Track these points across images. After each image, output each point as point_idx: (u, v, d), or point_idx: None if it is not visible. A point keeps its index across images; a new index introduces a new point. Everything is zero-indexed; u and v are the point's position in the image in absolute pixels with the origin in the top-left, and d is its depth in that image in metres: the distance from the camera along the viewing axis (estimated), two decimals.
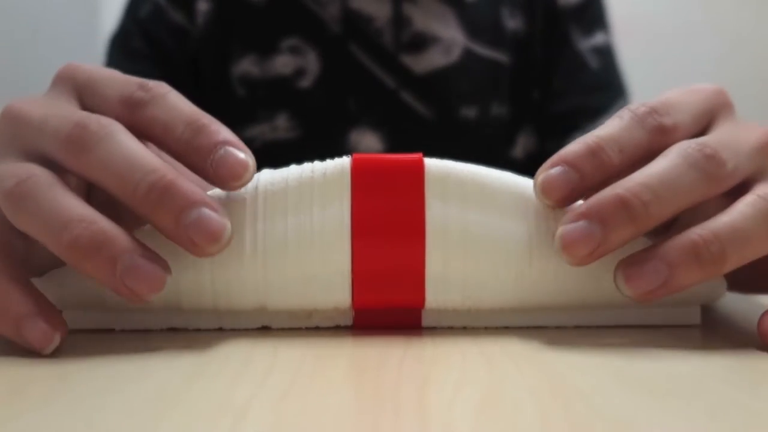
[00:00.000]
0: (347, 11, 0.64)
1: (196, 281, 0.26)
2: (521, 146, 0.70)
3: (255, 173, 0.25)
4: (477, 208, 0.26)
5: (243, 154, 0.25)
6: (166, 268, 0.23)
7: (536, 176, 0.25)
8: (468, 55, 0.66)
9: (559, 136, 0.68)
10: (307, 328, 0.27)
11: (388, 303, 0.26)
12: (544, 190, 0.25)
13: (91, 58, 0.72)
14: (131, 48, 0.65)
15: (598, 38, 0.70)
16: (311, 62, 0.64)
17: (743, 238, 0.23)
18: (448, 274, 0.26)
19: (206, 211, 0.23)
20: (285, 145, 0.65)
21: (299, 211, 0.26)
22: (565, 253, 0.23)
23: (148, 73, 0.66)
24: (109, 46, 0.67)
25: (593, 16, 0.70)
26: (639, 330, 0.26)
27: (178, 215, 0.23)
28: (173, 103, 0.26)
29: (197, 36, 0.66)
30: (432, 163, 0.26)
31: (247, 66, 0.65)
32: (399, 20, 0.64)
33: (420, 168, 0.26)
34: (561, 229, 0.24)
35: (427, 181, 0.26)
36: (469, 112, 0.66)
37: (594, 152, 0.24)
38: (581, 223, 0.23)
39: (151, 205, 0.23)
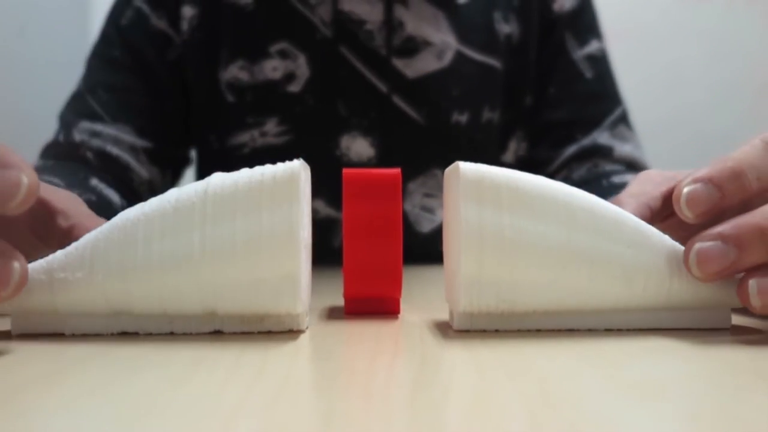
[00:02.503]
0: (338, 14, 0.64)
1: (145, 285, 0.26)
2: (512, 151, 0.70)
3: (34, 192, 0.24)
4: (511, 212, 0.26)
5: (19, 174, 0.24)
6: (15, 261, 0.24)
7: (678, 189, 0.27)
8: (460, 59, 0.66)
9: (552, 146, 0.69)
10: (297, 332, 0.27)
11: (371, 293, 0.31)
12: (689, 203, 0.26)
13: (80, 57, 0.71)
14: (112, 57, 0.65)
15: (592, 46, 0.69)
16: (301, 66, 0.64)
17: None
18: (483, 277, 0.26)
19: None
20: (275, 151, 0.64)
21: (248, 214, 0.26)
22: (699, 268, 0.25)
23: (127, 83, 0.66)
24: (91, 53, 0.67)
25: (587, 24, 0.70)
26: (629, 335, 0.27)
27: None
28: None
29: (183, 42, 0.66)
30: (467, 167, 0.27)
31: (235, 71, 0.65)
32: (391, 23, 0.64)
33: (397, 180, 0.31)
34: (698, 245, 0.26)
35: (463, 184, 0.26)
36: (461, 118, 0.66)
37: (737, 175, 0.26)
38: (718, 244, 0.25)
39: None
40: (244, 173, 0.27)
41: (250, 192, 0.26)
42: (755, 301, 0.25)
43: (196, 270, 0.25)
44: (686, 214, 0.26)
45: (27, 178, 0.24)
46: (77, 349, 0.24)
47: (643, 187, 0.30)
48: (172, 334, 0.27)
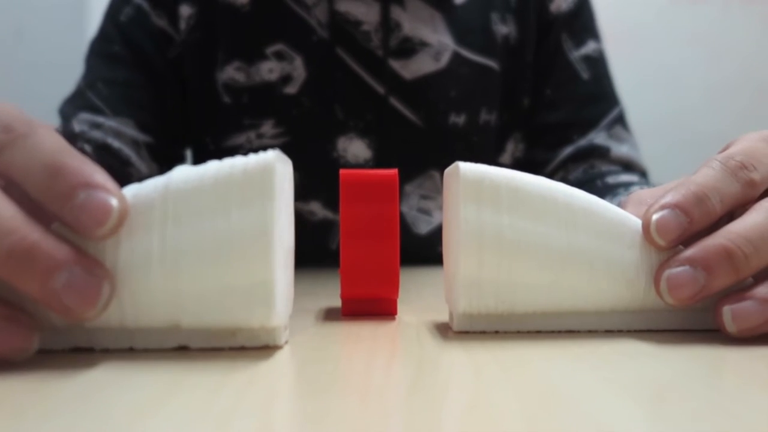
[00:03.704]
0: (334, 15, 0.64)
1: None
2: (509, 153, 0.70)
3: (124, 218, 0.22)
4: (511, 213, 0.26)
5: (108, 196, 0.22)
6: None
7: (647, 215, 0.26)
8: (457, 60, 0.65)
9: (550, 148, 0.69)
10: (293, 333, 0.27)
11: (368, 294, 0.31)
12: (659, 230, 0.26)
13: (77, 58, 0.71)
14: (111, 53, 0.64)
15: (589, 47, 0.69)
16: (298, 68, 0.64)
17: None
18: (483, 278, 0.26)
19: (77, 270, 0.21)
20: None
21: (216, 213, 0.23)
22: (671, 294, 0.25)
23: (128, 77, 0.66)
24: (89, 51, 0.66)
25: (584, 25, 0.70)
26: (627, 335, 0.27)
27: (44, 279, 0.21)
28: (34, 144, 0.22)
29: (181, 41, 0.66)
30: (467, 167, 0.26)
31: (232, 73, 0.64)
32: (387, 25, 0.64)
33: (394, 181, 0.30)
34: (667, 272, 0.25)
35: (463, 184, 0.26)
36: (458, 119, 0.66)
37: (701, 200, 0.26)
38: (687, 269, 0.25)
39: (13, 271, 0.21)
40: (212, 166, 0.24)
41: (218, 187, 0.23)
42: (731, 328, 0.25)
43: (156, 277, 0.22)
44: (658, 242, 0.26)
45: (118, 201, 0.22)
46: (62, 356, 0.23)
47: (637, 209, 0.30)
48: (131, 350, 0.24)
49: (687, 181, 0.27)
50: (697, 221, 0.26)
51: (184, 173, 0.23)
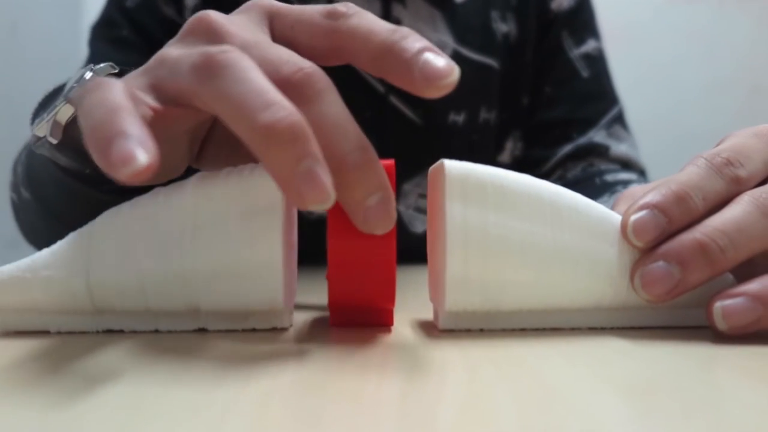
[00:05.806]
0: None
1: (128, 281, 0.26)
2: (508, 151, 0.70)
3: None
4: (497, 210, 0.26)
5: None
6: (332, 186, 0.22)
7: (625, 217, 0.26)
8: (457, 59, 0.65)
9: (549, 146, 0.68)
10: (286, 333, 0.27)
11: (360, 302, 0.27)
12: (636, 232, 0.26)
13: (73, 53, 0.70)
14: (120, 37, 0.63)
15: (589, 45, 0.69)
16: None
17: (747, 231, 0.25)
18: (469, 276, 0.26)
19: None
20: None
21: (232, 213, 0.26)
22: (645, 290, 0.25)
23: (139, 62, 0.65)
24: (92, 35, 0.65)
25: (585, 23, 0.70)
26: (619, 333, 0.27)
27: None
28: (373, 16, 0.27)
29: None
30: (452, 165, 0.26)
31: None
32: (388, 22, 0.64)
33: (391, 172, 0.27)
34: (641, 269, 0.26)
35: (448, 182, 0.26)
36: (458, 118, 0.66)
37: (682, 199, 0.26)
38: (661, 264, 0.25)
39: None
40: (227, 171, 0.27)
41: (233, 185, 0.26)
42: (721, 325, 0.25)
43: (177, 264, 0.25)
44: (635, 243, 0.26)
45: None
46: (61, 349, 0.24)
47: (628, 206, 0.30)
48: (156, 332, 0.27)
49: (670, 179, 0.27)
50: (677, 221, 0.26)
51: (203, 175, 0.27)
